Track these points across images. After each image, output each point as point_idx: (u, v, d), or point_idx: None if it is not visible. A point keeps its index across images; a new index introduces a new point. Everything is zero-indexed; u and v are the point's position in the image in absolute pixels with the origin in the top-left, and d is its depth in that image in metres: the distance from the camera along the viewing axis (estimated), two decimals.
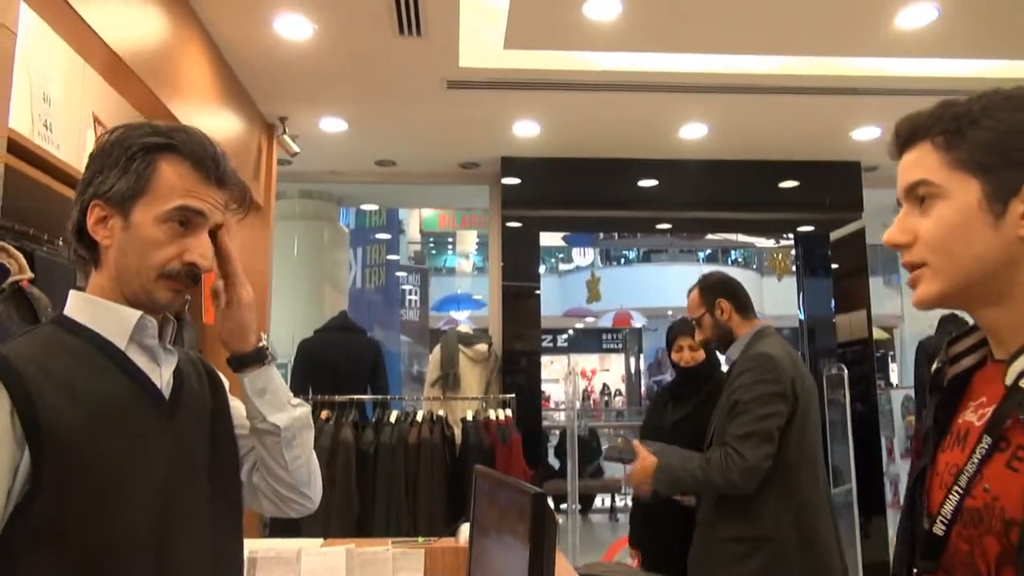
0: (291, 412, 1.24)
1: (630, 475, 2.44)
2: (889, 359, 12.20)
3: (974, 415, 0.91)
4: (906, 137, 0.93)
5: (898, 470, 5.85)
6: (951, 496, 0.87)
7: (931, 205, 0.90)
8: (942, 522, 0.88)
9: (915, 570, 0.92)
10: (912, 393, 5.16)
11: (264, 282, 4.01)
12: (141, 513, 1.00)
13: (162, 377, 1.10)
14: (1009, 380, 0.85)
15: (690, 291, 2.56)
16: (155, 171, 1.07)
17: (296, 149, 4.23)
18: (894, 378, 11.39)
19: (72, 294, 1.09)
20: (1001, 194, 0.86)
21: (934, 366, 1.00)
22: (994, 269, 0.87)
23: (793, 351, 2.40)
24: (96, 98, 2.47)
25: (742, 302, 2.47)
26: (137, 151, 1.07)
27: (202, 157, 1.10)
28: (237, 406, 1.27)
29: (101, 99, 2.49)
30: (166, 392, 1.09)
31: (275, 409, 1.22)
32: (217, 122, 3.39)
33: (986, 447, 0.85)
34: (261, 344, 1.24)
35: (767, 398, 2.19)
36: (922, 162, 0.91)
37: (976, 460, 0.86)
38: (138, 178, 1.07)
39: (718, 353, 2.73)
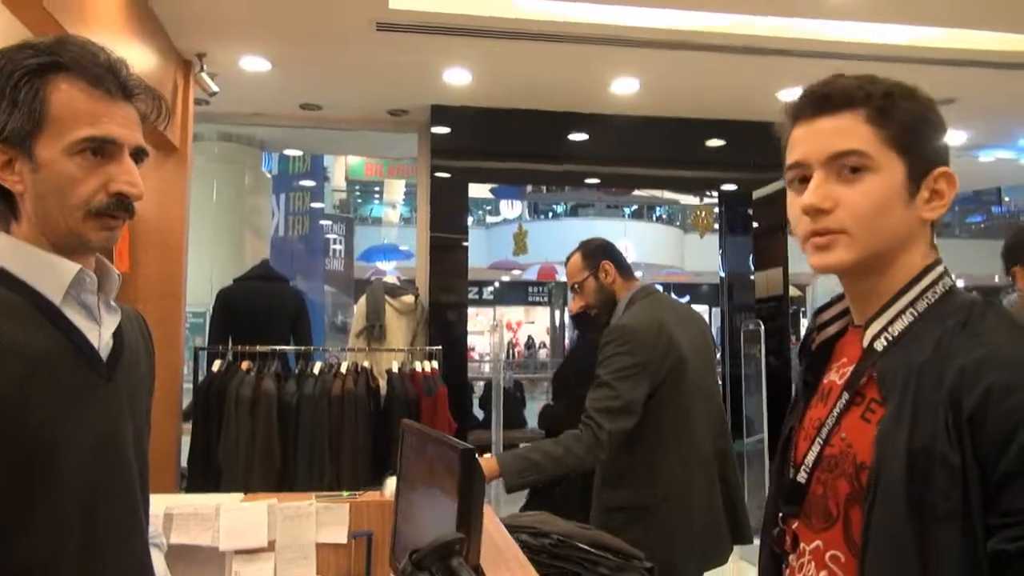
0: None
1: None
2: (801, 315, 12.75)
3: (836, 375, 0.99)
4: (835, 102, 0.93)
5: None
6: (814, 447, 0.96)
7: (861, 177, 0.92)
8: (804, 470, 0.96)
9: (780, 515, 1.00)
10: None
11: (181, 228, 3.84)
12: (71, 483, 0.93)
13: (100, 337, 1.01)
14: (865, 342, 0.93)
15: (569, 257, 2.50)
16: (47, 98, 0.94)
17: (215, 88, 4.03)
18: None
19: (0, 237, 0.97)
20: (916, 177, 0.93)
21: (803, 334, 1.09)
22: (898, 243, 0.93)
23: (669, 313, 2.36)
24: None
25: (623, 264, 2.45)
26: (21, 78, 0.94)
27: (98, 71, 0.97)
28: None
29: None
30: (104, 353, 1.00)
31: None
32: (128, 56, 3.17)
33: (844, 401, 0.94)
34: None
35: (625, 371, 2.17)
36: (853, 132, 0.92)
37: (836, 413, 0.94)
38: (30, 110, 0.93)
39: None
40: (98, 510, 0.96)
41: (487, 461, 2.15)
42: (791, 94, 4.26)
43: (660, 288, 2.61)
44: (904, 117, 0.92)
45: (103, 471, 0.98)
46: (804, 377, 1.05)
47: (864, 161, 0.92)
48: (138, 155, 1.02)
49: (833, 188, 0.93)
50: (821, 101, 0.94)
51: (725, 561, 2.36)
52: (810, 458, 0.96)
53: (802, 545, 0.96)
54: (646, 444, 2.22)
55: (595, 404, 2.17)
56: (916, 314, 0.92)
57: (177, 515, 1.85)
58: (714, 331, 4.31)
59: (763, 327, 5.12)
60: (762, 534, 1.07)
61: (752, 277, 5.48)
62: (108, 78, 0.98)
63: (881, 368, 0.90)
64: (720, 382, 2.66)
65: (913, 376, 0.86)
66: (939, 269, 0.95)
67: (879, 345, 0.92)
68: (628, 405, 2.16)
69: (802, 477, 0.96)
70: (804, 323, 12.64)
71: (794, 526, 0.98)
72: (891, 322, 0.92)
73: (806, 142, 0.95)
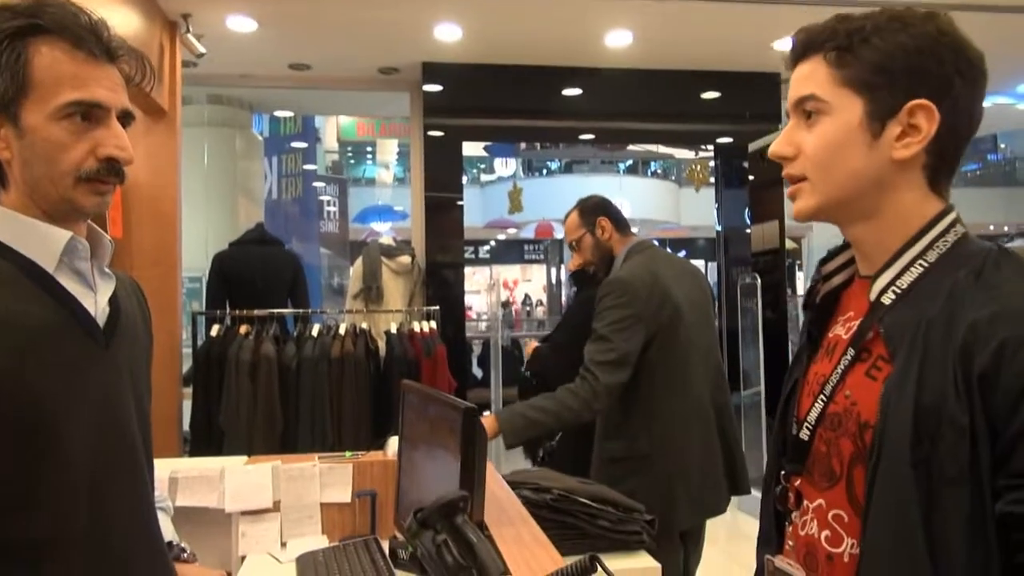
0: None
1: None
2: (797, 268, 12.78)
3: (842, 328, 0.96)
4: (801, 50, 0.93)
5: None
6: (817, 403, 0.93)
7: (816, 120, 0.90)
8: (807, 427, 0.94)
9: (783, 472, 0.98)
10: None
11: (173, 194, 3.81)
12: (76, 454, 0.93)
13: (97, 304, 0.99)
14: (872, 296, 0.89)
15: (567, 215, 2.52)
16: (29, 61, 0.92)
17: (202, 50, 3.96)
18: (800, 286, 11.96)
19: None
20: (881, 115, 0.88)
21: (808, 285, 1.05)
22: (866, 187, 0.89)
23: (665, 266, 2.38)
24: None
25: (620, 220, 2.47)
26: (1, 42, 0.91)
27: (79, 32, 0.94)
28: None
29: None
30: (101, 320, 0.99)
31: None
32: (112, 18, 3.11)
33: (849, 357, 0.90)
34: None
35: (621, 323, 2.19)
36: (813, 76, 0.91)
37: (840, 369, 0.91)
38: (13, 74, 0.91)
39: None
40: (104, 480, 0.96)
41: (487, 419, 2.15)
42: (786, 44, 4.21)
43: (656, 243, 2.62)
44: (872, 55, 0.87)
45: (107, 440, 0.97)
46: (808, 330, 1.01)
47: (818, 105, 0.90)
48: (125, 118, 1.00)
49: (796, 135, 0.93)
50: (795, 50, 0.94)
51: (723, 511, 2.39)
52: (813, 415, 0.93)
53: (805, 502, 0.94)
54: (643, 395, 2.24)
55: (592, 357, 2.19)
56: (926, 265, 0.88)
57: (182, 478, 1.86)
58: (711, 285, 4.32)
59: (759, 280, 5.13)
60: (763, 489, 1.06)
61: (748, 230, 5.47)
62: (90, 39, 0.95)
63: (888, 323, 0.87)
64: (718, 336, 2.66)
65: (922, 332, 0.82)
66: (950, 217, 0.90)
67: (886, 299, 0.88)
68: (624, 357, 2.18)
69: (804, 434, 0.94)
70: (800, 276, 12.67)
71: (796, 483, 0.96)
72: (899, 274, 0.88)
73: (788, 92, 0.95)
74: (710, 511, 2.37)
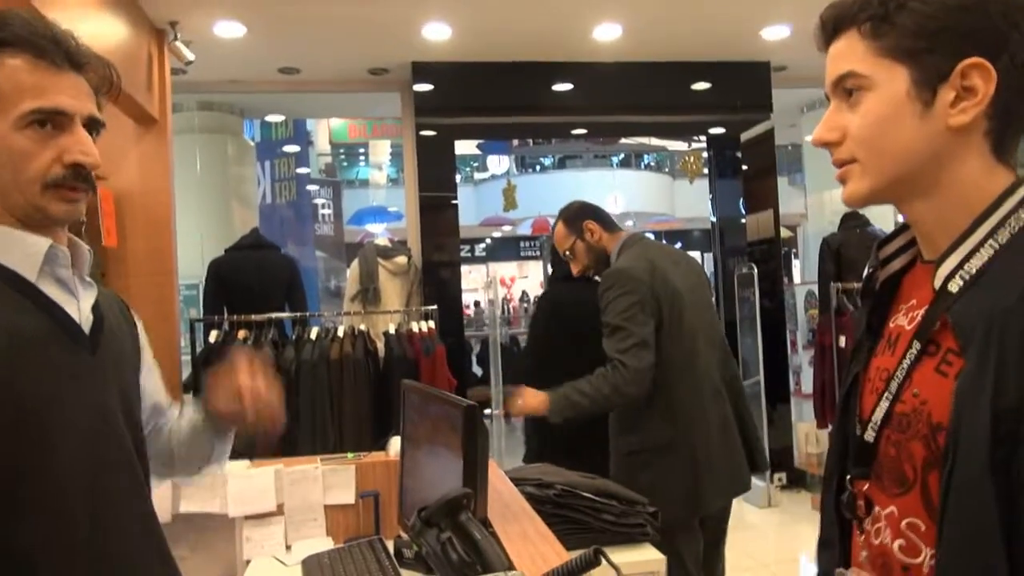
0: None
1: (519, 405, 2.35)
2: (792, 256, 12.76)
3: (905, 319, 0.88)
4: (832, 27, 0.87)
5: (800, 361, 6.21)
6: (882, 402, 0.86)
7: (859, 98, 0.84)
8: (872, 428, 0.86)
9: (848, 476, 0.91)
10: (815, 288, 5.42)
11: (167, 201, 3.81)
12: (71, 461, 0.93)
13: (80, 311, 1.00)
14: (938, 283, 0.82)
15: (553, 227, 2.57)
16: None
17: (190, 57, 3.95)
18: (797, 275, 11.95)
19: None
20: (930, 81, 0.80)
21: (865, 271, 0.96)
22: (923, 162, 0.82)
23: (658, 254, 2.43)
24: None
25: (605, 219, 2.52)
26: None
27: (40, 43, 0.94)
28: (149, 364, 1.20)
29: None
30: (86, 327, 1.00)
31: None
32: (100, 28, 3.11)
33: (916, 352, 0.83)
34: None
35: (630, 310, 2.23)
36: (849, 53, 0.84)
37: (906, 365, 0.84)
38: None
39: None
40: (103, 486, 0.96)
41: (537, 395, 2.29)
42: (776, 32, 4.19)
43: (651, 235, 2.66)
44: (910, 19, 0.80)
45: (101, 445, 0.98)
46: (868, 319, 0.93)
47: (858, 81, 0.83)
48: (92, 125, 0.99)
49: (839, 117, 0.86)
50: (824, 29, 0.88)
51: (748, 488, 2.44)
52: (878, 415, 0.85)
53: (876, 509, 0.87)
54: (657, 385, 2.25)
55: (614, 347, 2.22)
56: (997, 246, 0.79)
57: (185, 484, 1.86)
58: (707, 276, 4.31)
59: (756, 270, 5.14)
60: (823, 490, 0.98)
61: (743, 220, 5.48)
62: (52, 49, 0.95)
63: (957, 313, 0.78)
64: (716, 313, 2.69)
65: (997, 323, 0.74)
66: (1022, 191, 0.81)
67: (954, 286, 0.80)
68: (644, 340, 2.22)
69: (870, 436, 0.86)
70: (796, 264, 12.66)
71: (865, 488, 0.89)
72: (967, 258, 0.80)
73: (826, 74, 0.88)
74: (736, 491, 2.41)
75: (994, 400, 0.72)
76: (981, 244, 0.80)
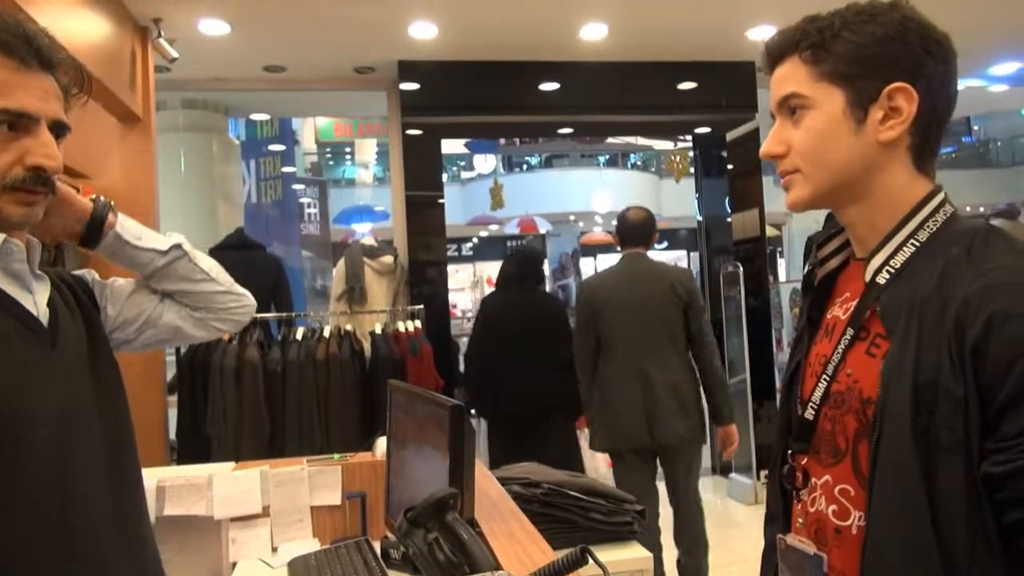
0: (174, 236, 1.25)
1: (733, 448, 3.22)
2: (778, 255, 12.84)
3: (840, 310, 1.00)
4: (777, 53, 0.98)
5: (785, 359, 6.25)
6: (820, 383, 0.97)
7: (801, 116, 0.96)
8: (812, 407, 0.98)
9: (790, 451, 1.02)
10: (800, 286, 5.47)
11: (150, 200, 3.77)
12: (41, 458, 0.92)
13: (37, 305, 0.99)
14: (868, 276, 0.93)
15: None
16: None
17: (174, 54, 3.92)
18: (782, 273, 12.01)
19: None
20: (862, 102, 0.92)
21: (805, 268, 1.09)
22: (856, 171, 0.94)
23: (618, 270, 3.30)
24: None
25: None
26: None
27: (9, 40, 0.91)
28: (117, 294, 1.22)
29: None
30: (44, 320, 0.99)
31: (160, 238, 1.22)
32: (82, 25, 3.08)
33: (849, 337, 0.95)
34: (94, 198, 1.16)
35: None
36: (792, 76, 0.96)
37: (841, 349, 0.95)
38: None
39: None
40: (71, 482, 0.95)
41: (727, 430, 3.17)
42: (761, 32, 4.21)
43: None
44: (844, 48, 0.93)
45: (71, 440, 0.96)
46: (808, 312, 1.05)
47: (800, 101, 0.95)
48: (58, 129, 0.97)
49: (784, 133, 0.98)
50: (769, 55, 1.00)
51: (637, 447, 3.09)
52: (817, 395, 0.97)
53: (812, 480, 0.98)
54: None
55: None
56: (918, 244, 0.92)
57: (169, 487, 1.85)
58: (694, 274, 4.33)
59: (741, 268, 5.16)
60: (769, 469, 1.09)
61: (729, 219, 5.50)
62: (21, 47, 0.92)
63: (884, 302, 0.91)
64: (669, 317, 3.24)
65: (916, 309, 0.86)
66: (939, 197, 0.94)
67: (881, 279, 0.92)
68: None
69: (810, 414, 0.97)
70: (782, 263, 12.73)
71: (803, 462, 0.99)
72: (892, 255, 0.92)
73: (770, 95, 1.00)
74: (626, 442, 3.11)
75: (914, 376, 0.83)
76: (904, 243, 0.92)
